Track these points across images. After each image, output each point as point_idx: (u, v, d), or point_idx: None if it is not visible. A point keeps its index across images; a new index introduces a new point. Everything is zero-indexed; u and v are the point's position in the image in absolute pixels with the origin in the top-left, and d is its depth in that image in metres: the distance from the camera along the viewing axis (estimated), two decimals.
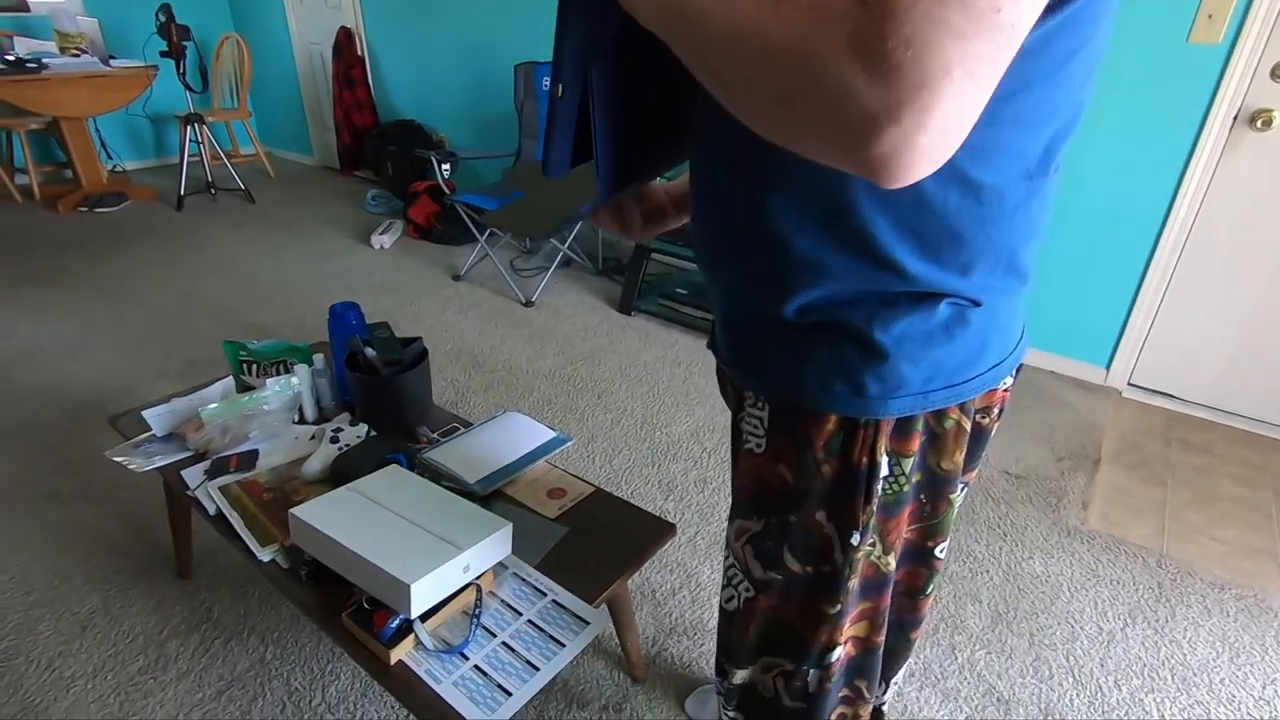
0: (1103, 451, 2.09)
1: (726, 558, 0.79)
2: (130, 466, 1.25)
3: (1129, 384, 2.42)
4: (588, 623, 0.98)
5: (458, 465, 1.24)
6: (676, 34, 0.42)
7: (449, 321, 2.77)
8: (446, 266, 3.30)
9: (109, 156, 4.63)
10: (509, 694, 0.88)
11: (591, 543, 1.11)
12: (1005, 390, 0.69)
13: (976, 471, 0.72)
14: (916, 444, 0.63)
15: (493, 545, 1.00)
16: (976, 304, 0.59)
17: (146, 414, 1.31)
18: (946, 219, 0.53)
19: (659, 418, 2.17)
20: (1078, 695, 1.34)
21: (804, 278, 0.58)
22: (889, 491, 0.64)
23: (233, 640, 1.39)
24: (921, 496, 0.67)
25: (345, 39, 4.30)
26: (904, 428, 0.62)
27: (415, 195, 3.67)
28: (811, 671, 0.75)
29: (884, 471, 0.63)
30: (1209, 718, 1.31)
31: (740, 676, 0.82)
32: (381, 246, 3.53)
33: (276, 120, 5.28)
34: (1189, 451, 2.10)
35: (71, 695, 1.28)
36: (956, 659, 1.41)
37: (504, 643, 0.94)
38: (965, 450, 0.66)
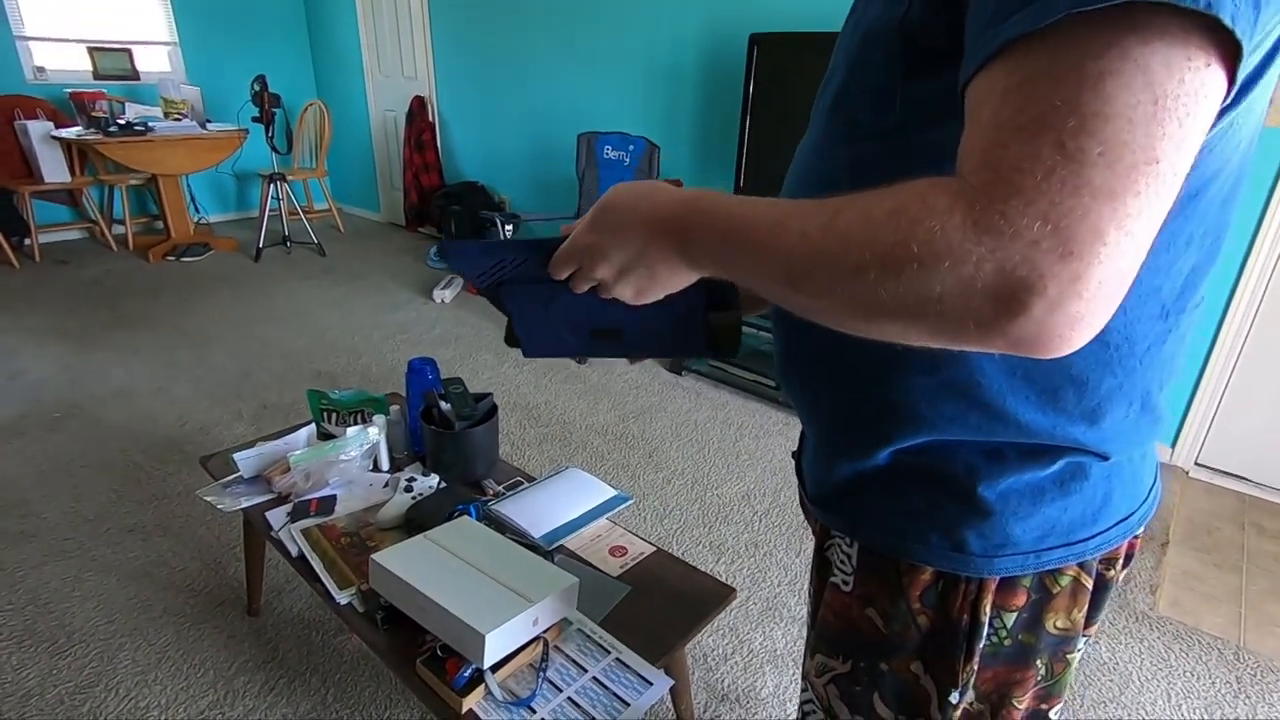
0: (1171, 533, 2.02)
1: (804, 690, 0.71)
2: (219, 506, 1.33)
3: (1196, 463, 2.34)
4: (651, 683, 0.99)
5: (523, 519, 1.28)
6: (740, 274, 0.44)
7: (506, 375, 2.87)
8: (503, 322, 3.42)
9: (196, 210, 4.99)
10: None
11: (653, 602, 1.14)
12: (1136, 538, 0.61)
13: (1098, 625, 0.64)
14: (1023, 599, 0.56)
15: (560, 600, 1.03)
16: (1104, 458, 0.52)
17: (237, 457, 1.39)
18: (1066, 364, 0.47)
19: (710, 479, 2.18)
20: None
21: (898, 426, 0.53)
22: (986, 645, 0.58)
23: (296, 681, 1.43)
24: (1038, 661, 0.60)
25: (418, 107, 4.60)
26: (1009, 583, 0.55)
27: None
28: None
29: (990, 628, 0.57)
30: None
31: None
32: (443, 301, 3.69)
33: (349, 179, 5.63)
34: (1264, 537, 2.01)
35: None
36: None
37: (570, 698, 0.96)
38: (1086, 608, 0.59)
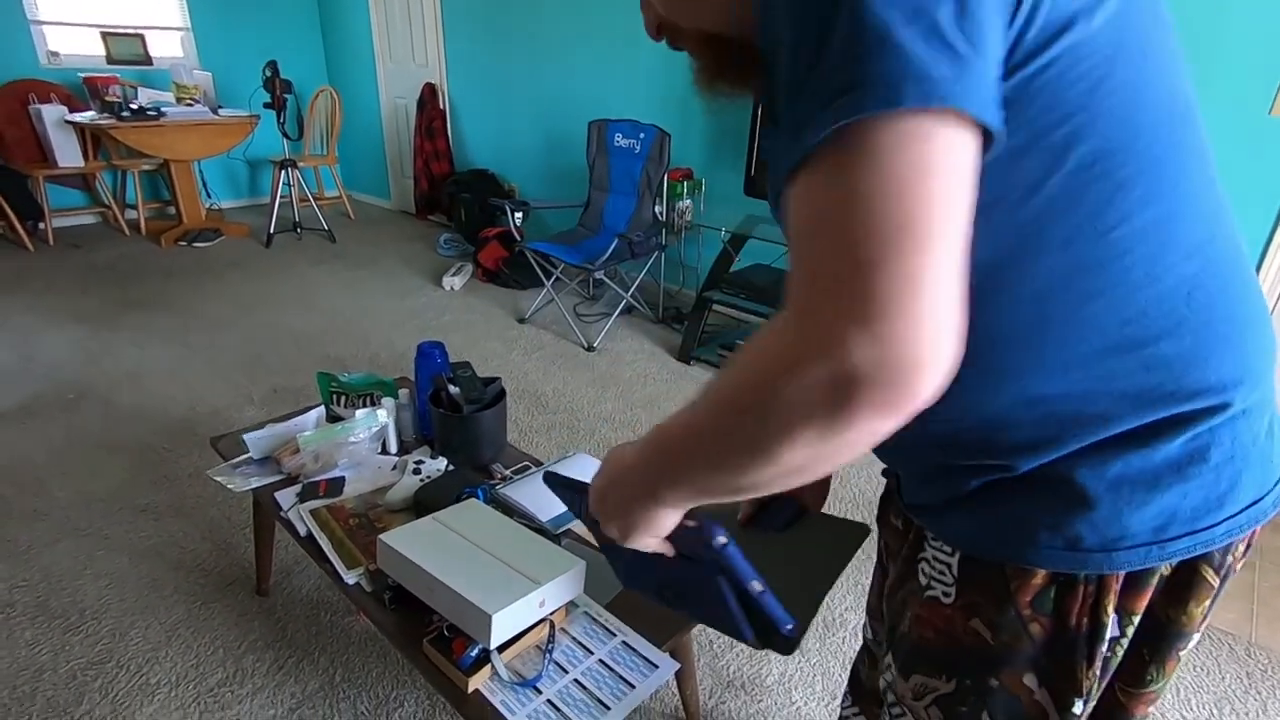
0: None
1: (899, 714, 0.68)
2: (229, 486, 1.34)
3: None
4: (657, 666, 0.99)
5: (531, 502, 1.28)
6: (687, 484, 0.47)
7: (514, 362, 2.87)
8: (512, 309, 3.43)
9: (208, 195, 5.01)
10: None
11: None
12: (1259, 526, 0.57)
13: (1209, 619, 0.60)
14: (1148, 598, 0.53)
15: (567, 582, 1.03)
16: (1223, 407, 0.49)
17: (247, 437, 1.40)
18: (1136, 339, 0.47)
19: None
20: None
21: (984, 466, 0.52)
22: (1112, 654, 0.55)
23: (304, 660, 1.45)
24: (1145, 652, 0.57)
25: (429, 94, 4.59)
26: (1136, 581, 0.52)
27: (485, 240, 3.84)
28: None
29: (1112, 633, 0.53)
30: None
31: None
32: (452, 288, 3.69)
33: (359, 166, 5.63)
34: (1277, 533, 1.99)
35: (156, 702, 1.35)
36: None
37: (576, 680, 0.97)
38: (1208, 601, 0.55)
